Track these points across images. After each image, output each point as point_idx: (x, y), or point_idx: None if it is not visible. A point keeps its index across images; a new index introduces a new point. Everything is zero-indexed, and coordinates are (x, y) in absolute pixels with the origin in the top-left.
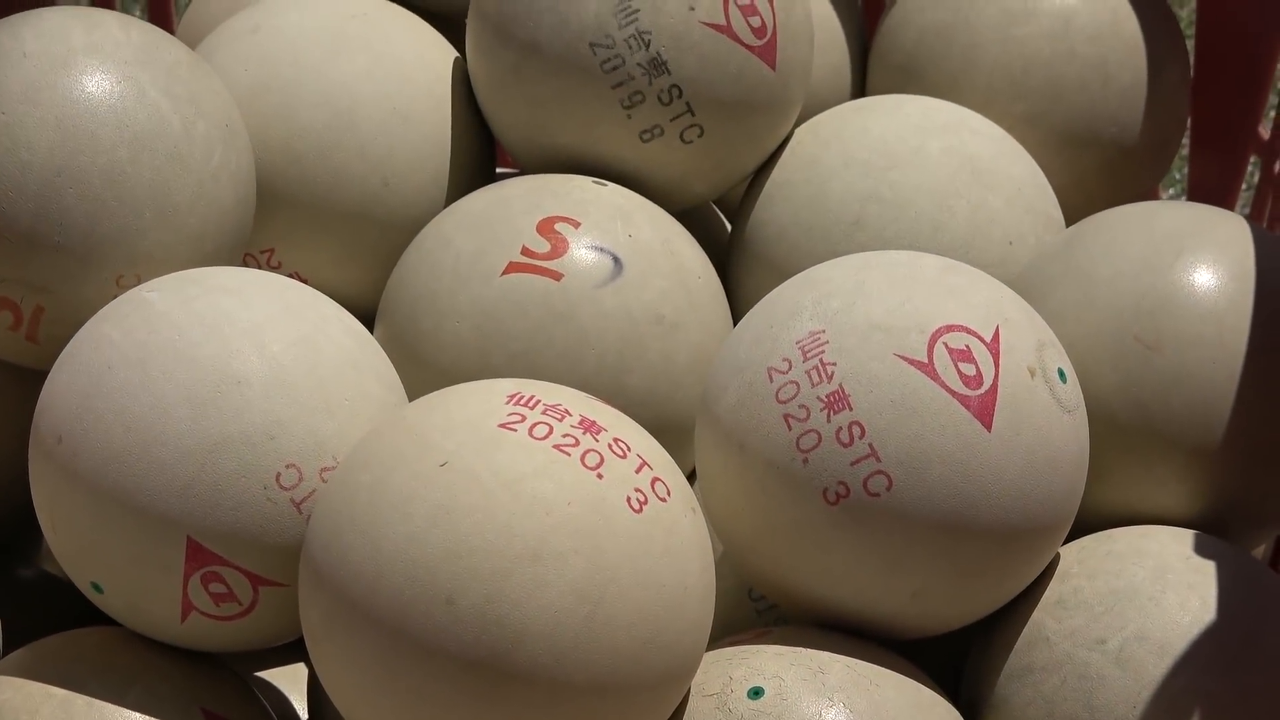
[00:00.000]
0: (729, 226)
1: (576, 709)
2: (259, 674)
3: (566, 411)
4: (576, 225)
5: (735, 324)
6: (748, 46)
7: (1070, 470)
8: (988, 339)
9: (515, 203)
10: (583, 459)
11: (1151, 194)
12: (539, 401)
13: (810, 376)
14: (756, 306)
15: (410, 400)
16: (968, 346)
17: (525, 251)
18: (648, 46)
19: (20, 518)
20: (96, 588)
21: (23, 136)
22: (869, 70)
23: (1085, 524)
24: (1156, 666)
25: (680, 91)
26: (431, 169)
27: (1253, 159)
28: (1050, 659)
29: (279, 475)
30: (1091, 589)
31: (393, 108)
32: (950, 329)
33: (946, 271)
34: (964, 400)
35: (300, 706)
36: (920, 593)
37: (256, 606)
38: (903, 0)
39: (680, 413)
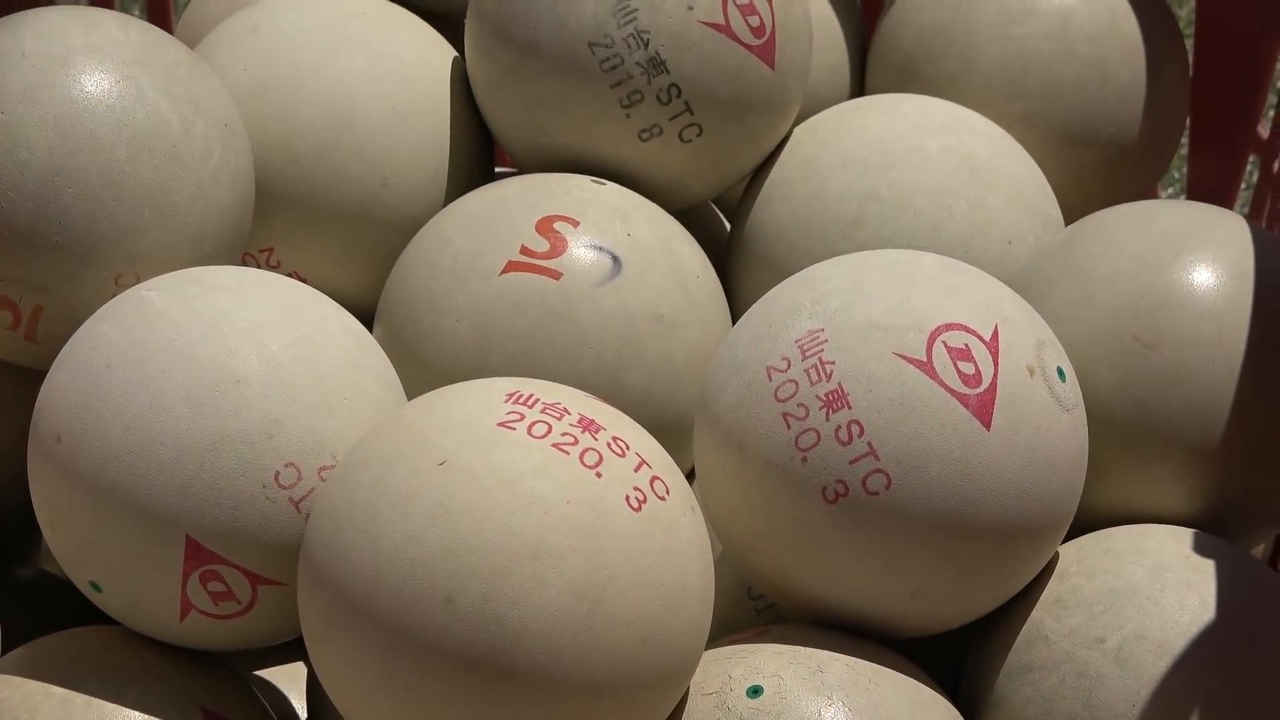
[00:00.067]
0: (728, 226)
1: (575, 708)
2: (258, 673)
3: (565, 410)
4: (575, 224)
5: (734, 323)
6: (746, 46)
7: (1069, 469)
8: (987, 338)
9: (514, 202)
10: (581, 458)
11: (1150, 193)
12: (538, 400)
13: (809, 375)
14: (755, 305)
15: (409, 399)
16: (967, 345)
17: (524, 251)
18: (646, 46)
19: (19, 517)
20: (95, 587)
21: (21, 136)
22: (868, 69)
23: (1084, 523)
24: (1155, 665)
25: (679, 91)
26: (430, 169)
27: (1252, 158)
28: (1049, 658)
29: (278, 474)
30: (1090, 588)
31: (391, 107)
32: (949, 328)
33: (945, 270)
34: (963, 399)
35: (299, 705)
36: (919, 591)
37: (255, 605)
38: (901, 0)
39: (679, 412)
